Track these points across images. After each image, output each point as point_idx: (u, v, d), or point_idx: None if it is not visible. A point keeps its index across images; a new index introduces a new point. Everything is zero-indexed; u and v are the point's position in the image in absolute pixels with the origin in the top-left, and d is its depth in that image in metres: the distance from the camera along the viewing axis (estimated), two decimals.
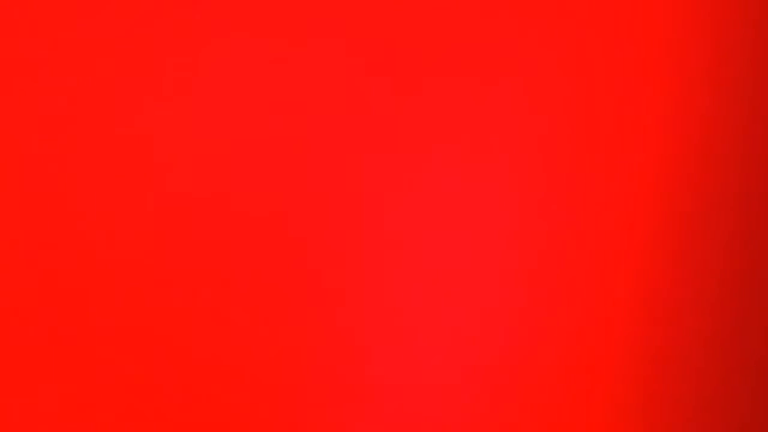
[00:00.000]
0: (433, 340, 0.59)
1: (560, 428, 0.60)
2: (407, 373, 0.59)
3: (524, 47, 0.59)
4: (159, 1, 0.56)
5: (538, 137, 0.60)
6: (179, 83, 0.56)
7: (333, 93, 0.58)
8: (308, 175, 0.58)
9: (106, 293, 0.56)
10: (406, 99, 0.58)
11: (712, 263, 0.62)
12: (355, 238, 0.58)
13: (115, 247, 0.56)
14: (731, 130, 0.62)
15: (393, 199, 0.58)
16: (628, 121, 0.60)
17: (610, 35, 0.60)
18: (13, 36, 0.55)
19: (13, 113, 0.55)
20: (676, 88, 0.61)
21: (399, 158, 0.58)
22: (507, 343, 0.60)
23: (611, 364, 0.61)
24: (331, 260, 0.58)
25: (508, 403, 0.60)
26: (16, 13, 0.55)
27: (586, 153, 0.60)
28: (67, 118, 0.56)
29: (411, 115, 0.58)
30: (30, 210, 0.55)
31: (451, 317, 0.59)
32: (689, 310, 0.62)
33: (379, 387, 0.59)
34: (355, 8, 0.58)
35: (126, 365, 0.56)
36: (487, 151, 0.59)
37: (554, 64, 0.60)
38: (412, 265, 0.59)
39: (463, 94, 0.59)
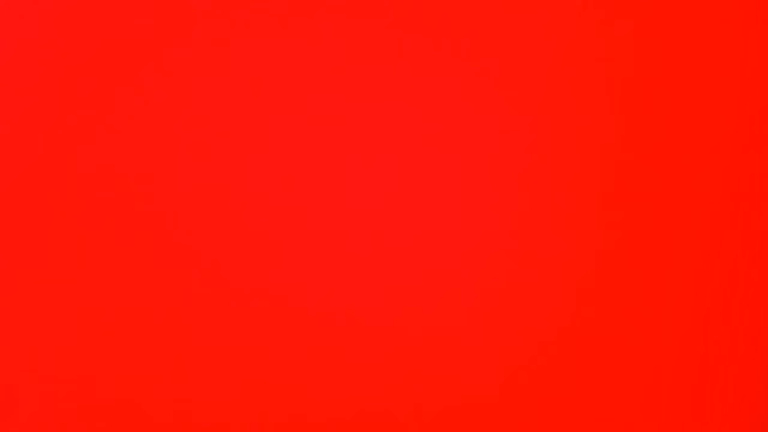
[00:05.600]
0: (433, 339, 0.59)
1: (559, 428, 0.60)
2: (406, 369, 0.59)
3: (523, 45, 0.59)
4: (160, 2, 0.56)
5: (536, 136, 0.60)
6: (178, 82, 0.56)
7: (328, 92, 0.58)
8: (306, 173, 0.58)
9: (107, 290, 0.56)
10: (402, 97, 0.58)
11: (712, 263, 0.62)
12: (353, 237, 0.58)
13: (115, 245, 0.56)
14: (731, 128, 0.62)
15: (390, 198, 0.58)
16: (627, 120, 0.61)
17: (610, 33, 0.60)
18: (12, 36, 0.55)
19: (12, 114, 0.55)
20: (679, 88, 0.61)
21: (397, 156, 0.58)
22: (506, 341, 0.60)
23: (609, 365, 0.61)
24: (329, 258, 0.58)
25: (507, 402, 0.60)
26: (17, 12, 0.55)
27: (585, 150, 0.60)
28: (66, 116, 0.56)
29: (408, 114, 0.58)
30: (30, 210, 0.55)
31: (448, 317, 0.59)
32: (689, 309, 0.62)
33: (379, 386, 0.59)
34: (353, 6, 0.58)
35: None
36: (486, 148, 0.59)
37: (553, 62, 0.60)
38: (411, 264, 0.59)
39: (460, 92, 0.59)
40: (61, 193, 0.55)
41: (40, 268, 0.55)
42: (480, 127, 0.59)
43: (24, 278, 0.55)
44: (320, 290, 0.58)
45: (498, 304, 0.59)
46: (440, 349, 0.59)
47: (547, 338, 0.60)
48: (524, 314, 0.60)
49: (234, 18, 0.57)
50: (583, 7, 0.60)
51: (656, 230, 0.61)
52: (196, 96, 0.56)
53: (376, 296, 0.58)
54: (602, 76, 0.60)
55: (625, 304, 0.61)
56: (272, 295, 0.57)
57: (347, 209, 0.58)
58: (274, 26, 0.57)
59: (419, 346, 0.59)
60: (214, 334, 0.57)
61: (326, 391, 0.58)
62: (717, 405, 0.62)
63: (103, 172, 0.56)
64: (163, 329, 0.56)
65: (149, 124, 0.56)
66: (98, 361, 0.56)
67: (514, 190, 0.59)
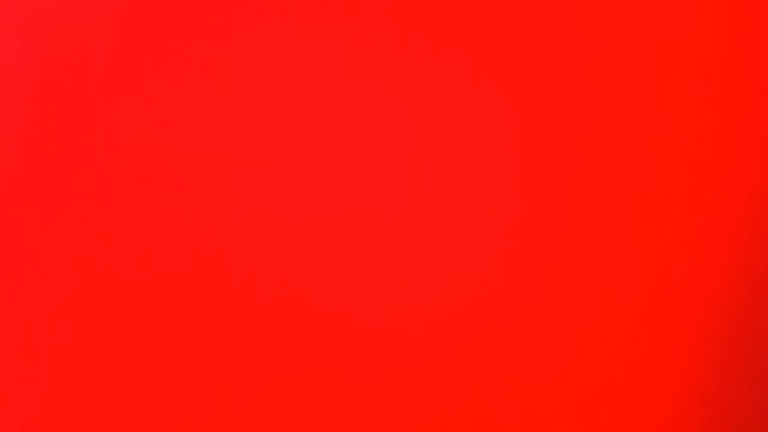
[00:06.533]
0: (433, 339, 0.59)
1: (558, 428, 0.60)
2: (406, 372, 0.59)
3: (523, 44, 0.59)
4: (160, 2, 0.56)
5: (536, 136, 0.59)
6: (180, 82, 0.56)
7: (326, 91, 0.58)
8: (305, 172, 0.58)
9: (106, 291, 0.56)
10: (402, 97, 0.58)
11: (712, 264, 0.62)
12: (353, 236, 0.58)
13: (116, 244, 0.56)
14: (731, 129, 0.62)
15: (390, 198, 0.58)
16: (629, 121, 0.60)
17: (612, 31, 0.60)
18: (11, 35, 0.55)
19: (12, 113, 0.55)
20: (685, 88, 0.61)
21: (397, 156, 0.58)
22: (504, 342, 0.60)
23: (610, 365, 0.61)
24: (329, 258, 0.58)
25: (507, 403, 0.60)
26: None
27: (586, 150, 0.60)
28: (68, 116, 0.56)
29: (409, 114, 0.58)
30: (29, 210, 0.55)
31: (448, 317, 0.59)
32: (689, 309, 0.62)
33: (379, 387, 0.59)
34: (353, 6, 0.58)
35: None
36: (485, 148, 0.59)
37: (555, 60, 0.59)
38: (412, 264, 0.59)
39: (461, 92, 0.59)
40: (61, 194, 0.55)
41: (40, 269, 0.55)
42: (479, 127, 0.59)
43: (24, 278, 0.55)
44: (320, 290, 0.58)
45: (498, 304, 0.59)
46: (440, 349, 0.59)
47: (546, 339, 0.60)
48: (525, 314, 0.60)
49: (234, 18, 0.57)
50: (584, 7, 0.60)
51: (656, 231, 0.61)
52: (195, 96, 0.56)
53: (376, 295, 0.58)
54: (602, 77, 0.60)
55: (625, 304, 0.61)
56: (272, 294, 0.57)
57: (347, 208, 0.58)
58: (274, 26, 0.57)
59: (420, 346, 0.59)
60: (214, 334, 0.57)
61: (326, 390, 0.58)
62: (716, 404, 0.62)
63: (104, 173, 0.56)
64: (163, 329, 0.57)
65: (149, 125, 0.56)
66: (98, 362, 0.56)
67: (514, 190, 0.59)
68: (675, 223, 0.61)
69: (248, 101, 0.57)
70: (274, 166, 0.57)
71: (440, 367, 0.59)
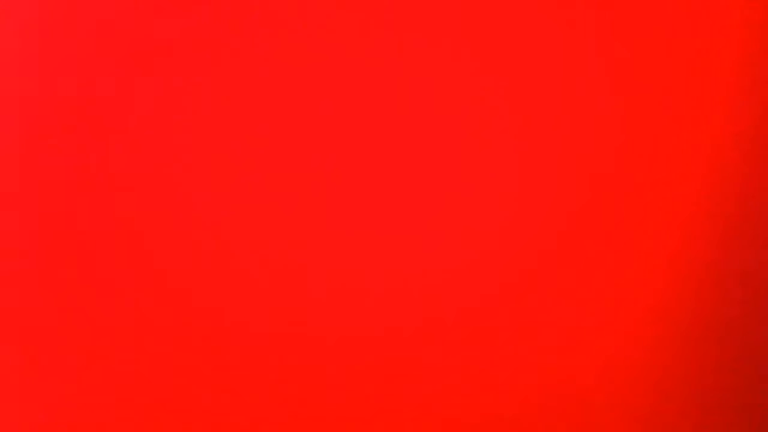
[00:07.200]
0: (433, 339, 0.59)
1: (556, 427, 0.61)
2: (405, 373, 0.59)
3: (524, 44, 0.59)
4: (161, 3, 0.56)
5: (538, 137, 0.60)
6: (181, 83, 0.56)
7: (326, 91, 0.58)
8: (308, 173, 0.58)
9: (105, 292, 0.56)
10: (403, 99, 0.58)
11: (710, 264, 0.62)
12: (352, 237, 0.58)
13: (115, 246, 0.56)
14: (732, 128, 0.62)
15: (391, 199, 0.58)
16: (630, 122, 0.61)
17: (613, 32, 0.60)
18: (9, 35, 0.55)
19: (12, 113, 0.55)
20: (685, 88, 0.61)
21: (397, 157, 0.58)
22: (503, 343, 0.60)
23: (611, 367, 0.61)
24: (329, 260, 0.58)
25: (507, 403, 0.60)
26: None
27: (587, 149, 0.60)
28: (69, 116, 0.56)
29: (410, 116, 0.58)
30: (31, 210, 0.55)
31: (449, 320, 0.59)
32: (689, 311, 0.62)
33: (377, 387, 0.59)
34: (351, 7, 0.58)
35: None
36: (487, 148, 0.59)
37: (555, 60, 0.60)
38: (413, 267, 0.59)
39: (460, 91, 0.59)
40: (60, 194, 0.55)
41: (40, 269, 0.55)
42: (480, 127, 0.59)
43: (24, 279, 0.55)
44: (321, 291, 0.58)
45: (500, 307, 0.59)
46: (442, 353, 0.59)
47: (547, 341, 0.60)
48: (527, 316, 0.60)
49: (234, 17, 0.57)
50: (585, 7, 0.60)
51: (658, 231, 0.61)
52: (195, 96, 0.56)
53: (377, 298, 0.58)
54: (603, 77, 0.60)
55: (627, 305, 0.61)
56: (272, 295, 0.57)
57: (347, 210, 0.58)
58: (274, 25, 0.57)
59: (422, 350, 0.59)
60: (213, 335, 0.57)
61: (327, 393, 0.58)
62: (720, 406, 0.62)
63: (104, 173, 0.56)
64: (161, 331, 0.56)
65: (148, 125, 0.56)
66: (96, 363, 0.56)
67: (515, 191, 0.59)
68: (677, 223, 0.61)
69: (247, 101, 0.57)
70: (274, 166, 0.57)
71: (442, 371, 0.59)
